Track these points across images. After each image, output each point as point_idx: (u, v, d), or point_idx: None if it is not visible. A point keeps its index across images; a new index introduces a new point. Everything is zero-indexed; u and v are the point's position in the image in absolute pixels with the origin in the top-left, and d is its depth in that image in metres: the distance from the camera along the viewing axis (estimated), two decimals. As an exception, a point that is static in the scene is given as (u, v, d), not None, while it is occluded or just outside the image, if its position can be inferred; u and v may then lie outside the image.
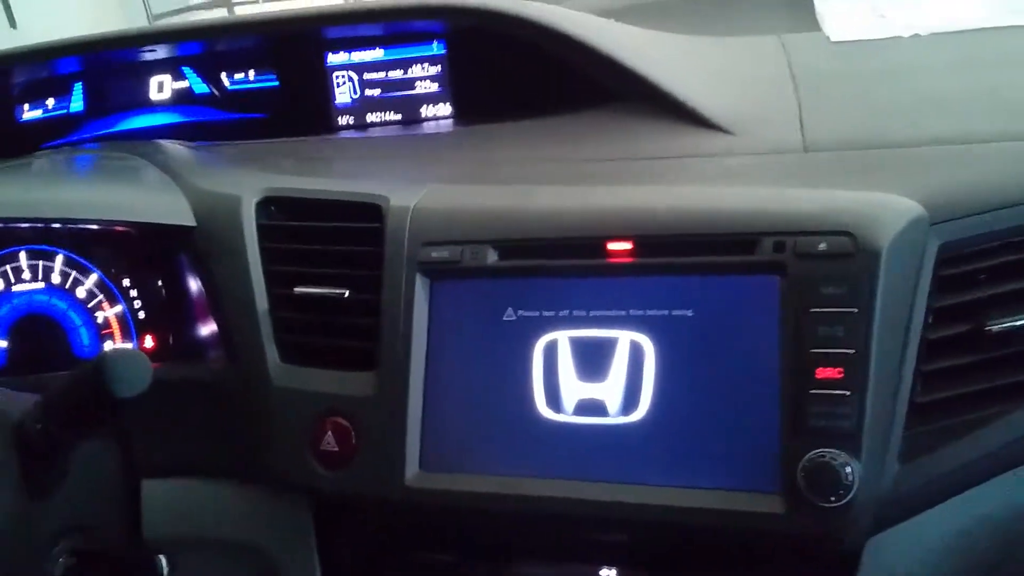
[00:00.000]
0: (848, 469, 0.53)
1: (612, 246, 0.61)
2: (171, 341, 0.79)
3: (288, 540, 0.70)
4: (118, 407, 0.54)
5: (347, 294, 0.67)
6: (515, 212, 0.65)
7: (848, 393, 0.54)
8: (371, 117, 0.95)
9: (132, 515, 0.73)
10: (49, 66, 0.96)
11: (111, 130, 0.99)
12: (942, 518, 0.58)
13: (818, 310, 0.56)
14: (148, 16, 2.86)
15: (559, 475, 0.60)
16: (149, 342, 0.79)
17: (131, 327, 0.79)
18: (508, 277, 0.63)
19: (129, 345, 0.79)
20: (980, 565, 0.59)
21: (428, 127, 0.93)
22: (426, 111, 0.94)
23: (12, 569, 0.49)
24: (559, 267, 0.62)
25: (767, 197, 0.60)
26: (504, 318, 0.63)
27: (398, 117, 0.95)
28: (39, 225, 0.77)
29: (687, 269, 0.59)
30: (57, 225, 0.76)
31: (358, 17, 0.90)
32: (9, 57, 0.93)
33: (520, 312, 0.63)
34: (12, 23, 2.97)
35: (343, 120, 0.96)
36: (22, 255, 0.79)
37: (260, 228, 0.70)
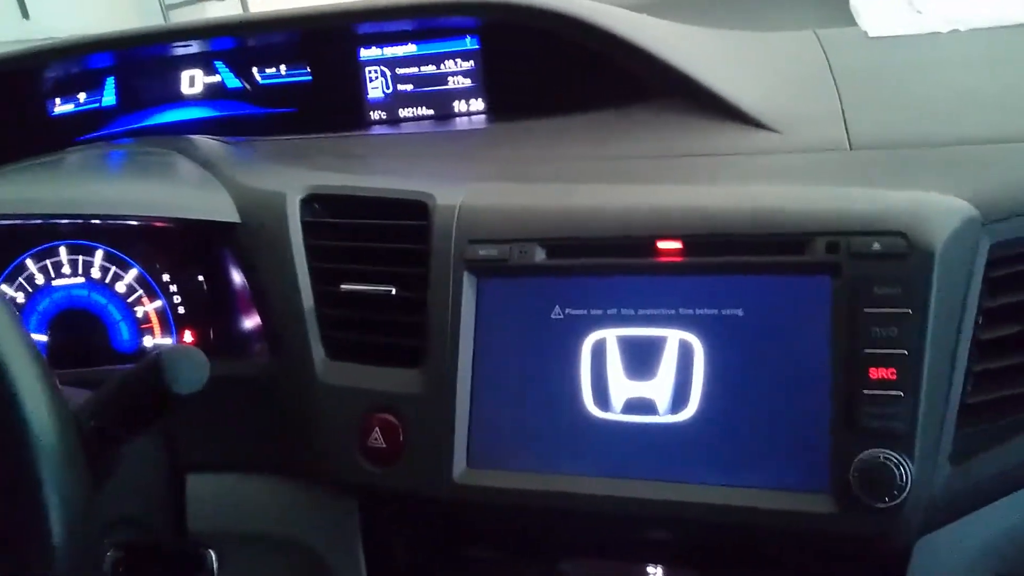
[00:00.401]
0: (902, 470, 0.53)
1: (662, 245, 0.61)
2: (211, 336, 0.79)
3: (334, 536, 0.70)
4: (174, 405, 0.55)
5: (393, 291, 0.67)
6: (562, 210, 0.65)
7: (901, 394, 0.55)
8: (403, 112, 0.95)
9: (176, 509, 0.73)
10: (81, 61, 0.96)
11: (143, 124, 0.99)
12: (991, 519, 0.58)
13: (872, 310, 0.56)
14: (162, 6, 2.85)
15: (607, 473, 0.60)
16: (188, 337, 0.80)
17: (171, 322, 0.80)
18: (556, 275, 0.63)
19: (169, 340, 0.80)
20: None
21: (461, 122, 0.93)
22: (459, 106, 0.94)
23: (81, 562, 0.50)
24: (608, 266, 0.62)
25: (818, 196, 0.60)
26: (552, 316, 0.63)
27: (430, 112, 0.94)
28: (79, 221, 0.77)
29: (738, 268, 0.59)
30: (97, 221, 0.76)
31: (392, 13, 0.90)
32: (42, 53, 0.92)
33: (568, 310, 0.63)
34: (25, 14, 2.97)
35: (375, 115, 0.95)
36: (62, 250, 0.79)
37: (305, 225, 0.70)
